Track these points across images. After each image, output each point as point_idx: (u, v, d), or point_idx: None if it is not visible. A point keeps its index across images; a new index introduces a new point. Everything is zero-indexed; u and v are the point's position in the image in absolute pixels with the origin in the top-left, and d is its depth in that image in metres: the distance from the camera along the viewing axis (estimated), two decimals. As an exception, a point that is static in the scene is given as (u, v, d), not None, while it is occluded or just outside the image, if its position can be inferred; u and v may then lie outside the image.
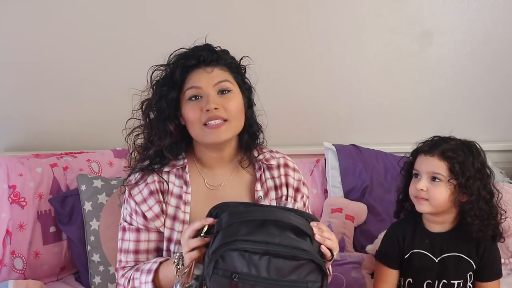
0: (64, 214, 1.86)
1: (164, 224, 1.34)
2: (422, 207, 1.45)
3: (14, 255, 1.77)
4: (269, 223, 1.07)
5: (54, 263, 1.87)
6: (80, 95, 2.27)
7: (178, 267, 1.19)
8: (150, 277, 1.25)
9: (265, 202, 1.39)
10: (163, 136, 1.32)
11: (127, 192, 1.37)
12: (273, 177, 1.42)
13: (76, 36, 2.22)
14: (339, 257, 1.91)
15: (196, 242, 1.12)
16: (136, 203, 1.35)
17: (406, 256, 1.51)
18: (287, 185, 1.43)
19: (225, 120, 1.29)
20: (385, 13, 2.37)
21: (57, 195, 1.88)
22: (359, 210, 2.09)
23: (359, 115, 2.46)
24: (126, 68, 2.21)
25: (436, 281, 1.49)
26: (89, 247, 1.81)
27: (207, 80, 1.30)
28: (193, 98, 1.30)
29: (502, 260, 1.93)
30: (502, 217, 1.47)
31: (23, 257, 1.79)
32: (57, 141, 2.26)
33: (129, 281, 1.32)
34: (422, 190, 1.43)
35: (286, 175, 1.43)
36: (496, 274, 1.50)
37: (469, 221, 1.43)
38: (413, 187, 1.48)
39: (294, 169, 1.46)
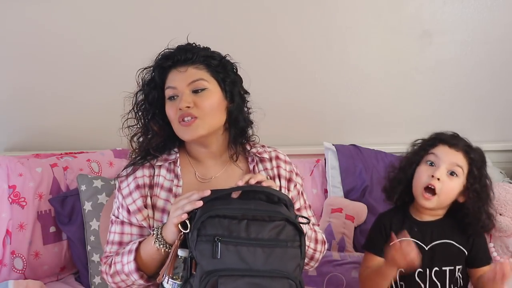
0: (64, 214, 1.86)
1: (152, 217, 1.36)
2: (428, 203, 1.43)
3: (14, 255, 1.77)
4: (244, 195, 1.20)
5: (54, 263, 1.87)
6: (80, 95, 2.27)
7: (159, 237, 1.24)
8: (132, 256, 1.29)
9: None
10: (149, 135, 1.39)
11: (117, 185, 1.42)
12: (266, 169, 1.45)
13: (76, 36, 2.22)
14: (339, 257, 1.91)
15: (191, 205, 1.17)
16: (122, 197, 1.39)
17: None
18: (279, 177, 1.45)
19: (196, 118, 1.32)
20: (385, 13, 2.36)
21: (57, 195, 1.88)
22: (359, 210, 2.09)
23: (359, 115, 2.45)
24: (126, 68, 2.20)
25: (428, 270, 1.46)
26: (89, 247, 1.81)
27: (180, 80, 1.34)
28: (171, 98, 1.35)
29: (502, 260, 1.93)
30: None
31: (23, 257, 1.78)
32: (57, 141, 2.26)
33: (110, 266, 1.35)
34: (438, 179, 1.40)
35: (278, 167, 1.47)
36: (489, 258, 1.51)
37: (473, 221, 1.45)
38: (425, 175, 1.44)
39: (285, 161, 1.49)
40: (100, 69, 2.25)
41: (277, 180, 1.44)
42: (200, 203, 1.17)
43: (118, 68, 2.23)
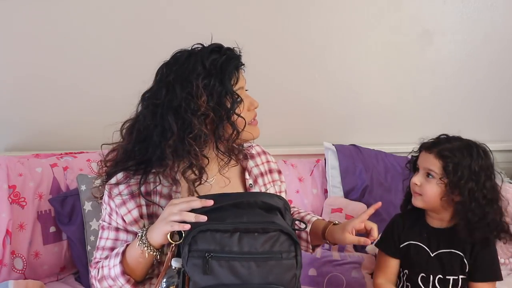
0: (64, 214, 1.86)
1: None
2: (415, 201, 1.51)
3: (14, 255, 1.77)
4: (237, 206, 1.16)
5: (54, 263, 1.87)
6: (81, 95, 2.26)
7: (143, 239, 1.20)
8: (118, 259, 1.24)
9: (255, 189, 1.41)
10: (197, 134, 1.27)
11: (107, 192, 1.33)
12: (257, 165, 1.46)
13: (76, 35, 2.21)
14: (339, 257, 1.91)
15: (191, 217, 1.12)
16: (115, 204, 1.31)
17: (402, 245, 1.53)
18: (271, 171, 1.48)
19: None
20: (385, 13, 2.37)
21: (57, 195, 1.88)
22: (359, 210, 2.09)
23: (359, 115, 2.46)
24: (126, 68, 2.21)
25: (431, 276, 1.49)
26: (89, 247, 1.81)
27: (245, 82, 1.35)
28: (241, 100, 1.31)
29: (502, 260, 1.92)
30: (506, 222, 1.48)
31: (23, 257, 1.79)
32: (57, 141, 2.26)
33: (98, 270, 1.30)
34: (416, 184, 1.49)
35: (267, 161, 1.50)
36: (489, 275, 1.48)
37: (457, 222, 1.47)
38: (411, 181, 1.53)
39: (269, 154, 1.53)
40: (100, 68, 2.25)
41: (269, 175, 1.46)
42: (204, 218, 1.11)
43: (119, 67, 2.23)
